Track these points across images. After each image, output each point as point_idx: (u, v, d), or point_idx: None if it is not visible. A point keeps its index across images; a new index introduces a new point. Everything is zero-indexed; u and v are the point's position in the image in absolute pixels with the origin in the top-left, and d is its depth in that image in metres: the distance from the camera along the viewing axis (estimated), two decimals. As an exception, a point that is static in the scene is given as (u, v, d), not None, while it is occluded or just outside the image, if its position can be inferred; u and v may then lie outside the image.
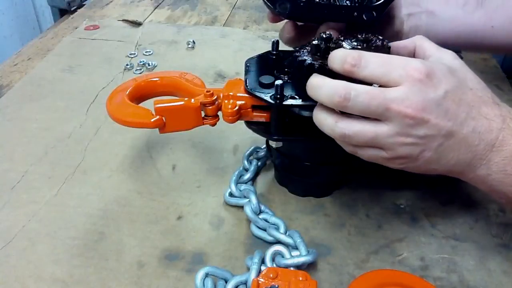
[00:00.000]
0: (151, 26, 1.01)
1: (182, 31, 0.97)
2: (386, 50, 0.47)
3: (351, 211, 0.54)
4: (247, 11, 1.11)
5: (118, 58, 0.86)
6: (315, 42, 0.48)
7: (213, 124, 0.50)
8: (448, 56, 0.44)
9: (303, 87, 0.47)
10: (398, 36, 0.57)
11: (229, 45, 0.92)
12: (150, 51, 0.89)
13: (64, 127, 0.67)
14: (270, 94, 0.46)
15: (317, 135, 0.49)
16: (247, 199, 0.53)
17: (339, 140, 0.43)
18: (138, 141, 0.65)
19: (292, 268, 0.45)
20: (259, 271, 0.44)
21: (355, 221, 0.53)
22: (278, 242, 0.48)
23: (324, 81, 0.41)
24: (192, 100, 0.49)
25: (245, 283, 0.44)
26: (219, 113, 0.49)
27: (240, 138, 0.65)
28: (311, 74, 0.47)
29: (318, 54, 0.48)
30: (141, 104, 0.53)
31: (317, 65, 0.46)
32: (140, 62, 0.84)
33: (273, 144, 0.55)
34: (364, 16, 0.50)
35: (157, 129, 0.49)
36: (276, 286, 0.41)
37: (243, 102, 0.48)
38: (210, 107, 0.48)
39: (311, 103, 0.46)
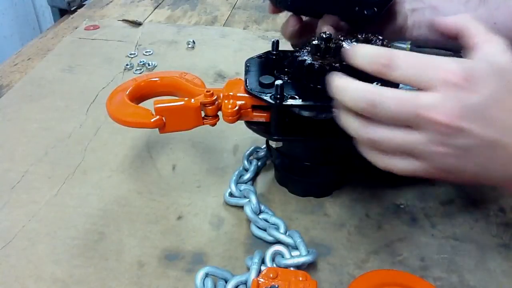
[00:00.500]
0: (151, 26, 1.01)
1: (182, 31, 0.97)
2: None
3: (351, 211, 0.54)
4: (247, 11, 1.11)
5: (118, 58, 0.86)
6: (315, 42, 0.48)
7: (213, 124, 0.50)
8: (498, 49, 0.38)
9: (303, 87, 0.47)
10: (401, 32, 0.56)
11: (229, 45, 0.92)
12: (150, 51, 0.89)
13: (64, 127, 0.67)
14: (270, 94, 0.46)
15: (317, 135, 0.49)
16: (247, 199, 0.53)
17: (367, 145, 0.39)
18: (138, 141, 0.65)
19: (292, 268, 0.45)
20: (259, 271, 0.44)
21: (355, 221, 0.53)
22: (278, 242, 0.48)
23: (349, 84, 0.38)
24: (192, 100, 0.49)
25: (245, 283, 0.44)
26: (219, 113, 0.49)
27: (240, 138, 0.65)
28: (311, 74, 0.47)
29: (318, 54, 0.48)
30: (141, 104, 0.53)
31: (317, 65, 0.47)
32: (140, 62, 0.84)
33: (273, 144, 0.55)
34: (365, 11, 0.50)
35: (157, 129, 0.49)
36: (276, 286, 0.41)
37: (243, 102, 0.48)
38: (210, 107, 0.48)
39: (311, 103, 0.46)
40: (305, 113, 0.50)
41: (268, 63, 0.52)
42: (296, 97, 0.46)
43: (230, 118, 0.48)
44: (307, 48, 0.49)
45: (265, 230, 0.50)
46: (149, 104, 0.50)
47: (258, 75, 0.49)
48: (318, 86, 0.48)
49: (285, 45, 0.56)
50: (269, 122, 0.49)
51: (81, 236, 0.51)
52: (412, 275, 0.45)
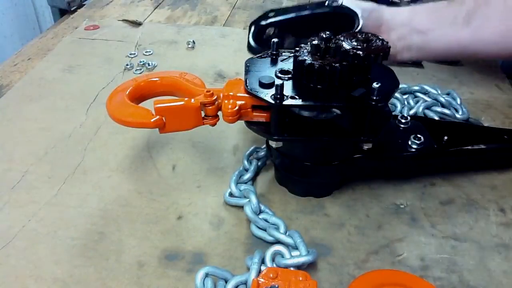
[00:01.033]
0: (151, 26, 1.01)
1: (182, 31, 0.97)
2: (386, 50, 0.47)
3: (351, 211, 0.54)
4: (247, 11, 1.10)
5: (118, 58, 0.86)
6: (315, 42, 0.48)
7: (213, 124, 0.50)
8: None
9: (303, 87, 0.47)
10: (392, 57, 0.60)
11: (229, 45, 0.92)
12: (150, 51, 0.89)
13: (64, 127, 0.67)
14: (270, 94, 0.46)
15: (317, 135, 0.49)
16: (247, 199, 0.53)
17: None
18: (138, 141, 0.65)
19: (292, 268, 0.45)
20: (259, 271, 0.44)
21: (355, 221, 0.53)
22: (278, 242, 0.48)
23: None
24: (192, 100, 0.49)
25: (245, 283, 0.44)
26: (219, 113, 0.49)
27: (240, 138, 0.65)
28: (311, 74, 0.47)
29: (318, 54, 0.48)
30: (141, 104, 0.53)
31: (317, 65, 0.47)
32: (140, 62, 0.84)
33: (273, 144, 0.55)
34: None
35: (157, 129, 0.49)
36: (276, 286, 0.41)
37: (243, 102, 0.48)
38: (210, 107, 0.48)
39: (311, 103, 0.47)
40: (305, 113, 0.50)
41: (268, 63, 0.52)
42: (296, 97, 0.46)
43: (230, 118, 0.48)
44: (307, 48, 0.49)
45: (265, 230, 0.50)
46: (149, 104, 0.50)
47: (258, 75, 0.49)
48: (318, 86, 0.48)
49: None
50: (269, 122, 0.49)
51: (81, 236, 0.51)
52: (412, 275, 0.45)
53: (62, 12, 1.12)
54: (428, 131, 0.57)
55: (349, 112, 0.50)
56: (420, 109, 0.68)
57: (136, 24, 1.00)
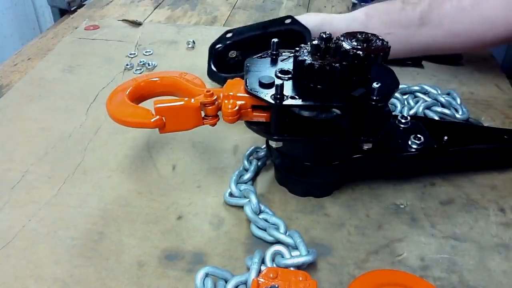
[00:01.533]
0: (151, 26, 1.01)
1: (182, 31, 0.97)
2: (387, 50, 0.47)
3: (351, 211, 0.54)
4: (247, 11, 1.10)
5: (118, 58, 0.86)
6: (315, 42, 0.48)
7: (213, 124, 0.50)
8: None
9: (303, 87, 0.47)
10: None
11: (229, 45, 0.92)
12: (150, 51, 0.89)
13: (64, 127, 0.67)
14: (270, 94, 0.46)
15: (317, 135, 0.49)
16: (247, 199, 0.53)
17: None
18: (138, 141, 0.65)
19: (292, 268, 0.45)
20: (259, 271, 0.44)
21: (355, 221, 0.53)
22: (278, 242, 0.48)
23: None
24: (192, 100, 0.49)
25: (245, 283, 0.44)
26: (219, 113, 0.49)
27: (240, 138, 0.65)
28: (311, 74, 0.47)
29: (318, 54, 0.48)
30: (141, 104, 0.53)
31: (317, 65, 0.47)
32: (140, 62, 0.84)
33: (273, 144, 0.55)
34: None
35: (157, 129, 0.49)
36: (276, 286, 0.41)
37: (243, 102, 0.48)
38: (210, 107, 0.48)
39: (311, 103, 0.47)
40: (305, 113, 0.50)
41: (268, 63, 0.52)
42: (296, 97, 0.46)
43: (230, 118, 0.48)
44: (307, 48, 0.49)
45: (265, 230, 0.50)
46: (149, 104, 0.50)
47: (258, 75, 0.49)
48: (318, 86, 0.48)
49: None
50: (269, 122, 0.49)
51: (81, 236, 0.51)
52: (412, 275, 0.45)
53: (62, 12, 1.12)
54: (428, 131, 0.57)
55: (349, 112, 0.50)
56: (420, 109, 0.68)
57: (136, 24, 1.00)
